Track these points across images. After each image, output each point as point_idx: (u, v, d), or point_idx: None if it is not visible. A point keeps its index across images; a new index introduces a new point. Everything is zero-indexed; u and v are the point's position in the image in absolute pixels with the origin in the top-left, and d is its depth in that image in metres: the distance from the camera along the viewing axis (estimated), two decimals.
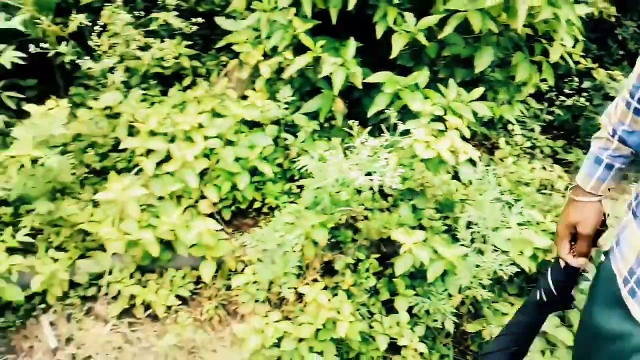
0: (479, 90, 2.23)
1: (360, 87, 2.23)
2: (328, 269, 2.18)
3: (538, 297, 1.24)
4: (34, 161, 1.90)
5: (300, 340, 1.89)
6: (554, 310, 1.29)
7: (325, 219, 2.03)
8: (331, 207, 2.07)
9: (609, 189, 1.14)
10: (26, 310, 2.03)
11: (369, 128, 2.01)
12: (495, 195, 2.05)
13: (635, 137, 1.06)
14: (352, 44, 2.23)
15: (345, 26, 2.27)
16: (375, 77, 2.19)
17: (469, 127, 2.15)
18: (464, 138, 2.08)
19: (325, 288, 2.03)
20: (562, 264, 1.20)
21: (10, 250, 1.95)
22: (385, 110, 2.10)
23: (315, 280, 2.11)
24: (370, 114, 2.20)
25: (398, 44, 2.14)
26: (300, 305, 2.08)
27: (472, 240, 2.02)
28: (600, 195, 1.14)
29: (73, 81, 2.56)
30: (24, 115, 2.26)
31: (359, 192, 2.17)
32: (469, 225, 2.07)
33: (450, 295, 2.00)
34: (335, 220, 2.09)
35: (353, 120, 2.04)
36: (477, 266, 1.96)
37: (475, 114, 2.20)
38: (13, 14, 2.17)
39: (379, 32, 2.17)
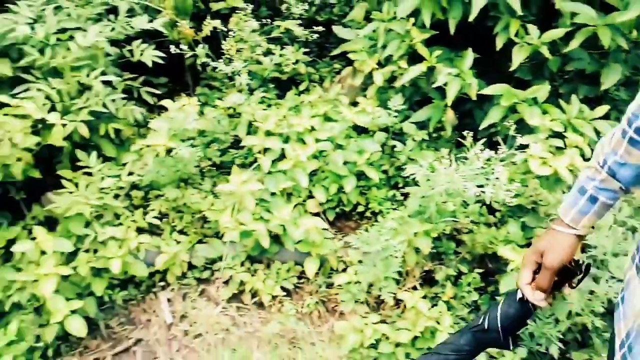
0: (603, 108, 2.12)
1: (475, 98, 2.21)
2: (427, 279, 2.18)
3: (480, 322, 1.12)
4: (168, 151, 2.11)
5: (398, 345, 1.92)
6: (493, 345, 1.16)
7: (429, 227, 2.04)
8: (436, 216, 2.07)
9: (592, 227, 1.01)
10: (147, 286, 2.23)
11: (482, 140, 1.99)
12: (614, 219, 1.94)
13: (626, 171, 0.95)
14: (469, 55, 2.22)
15: (462, 37, 2.27)
16: (491, 89, 2.16)
17: (590, 146, 2.05)
18: (584, 157, 1.99)
19: (425, 297, 2.04)
20: (519, 294, 1.08)
21: (139, 230, 2.17)
22: (504, 123, 2.06)
23: (414, 288, 2.12)
24: (482, 126, 2.17)
25: (519, 57, 2.09)
26: (397, 311, 2.10)
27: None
28: (578, 230, 1.01)
29: (199, 81, 2.79)
30: (155, 109, 2.50)
31: (465, 204, 2.15)
32: (583, 249, 1.97)
33: (557, 320, 1.92)
34: (439, 230, 2.09)
35: (467, 132, 2.02)
36: (591, 292, 1.86)
37: (597, 132, 2.09)
38: (153, 16, 2.41)
39: (499, 43, 2.13)
